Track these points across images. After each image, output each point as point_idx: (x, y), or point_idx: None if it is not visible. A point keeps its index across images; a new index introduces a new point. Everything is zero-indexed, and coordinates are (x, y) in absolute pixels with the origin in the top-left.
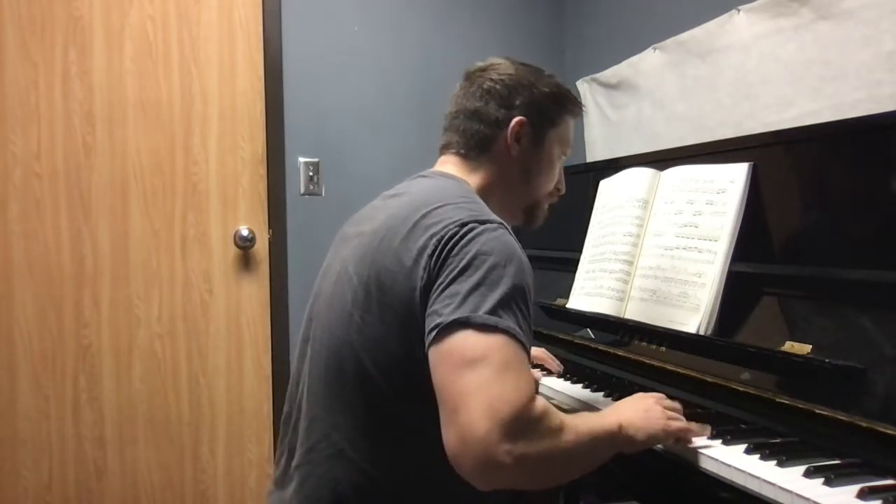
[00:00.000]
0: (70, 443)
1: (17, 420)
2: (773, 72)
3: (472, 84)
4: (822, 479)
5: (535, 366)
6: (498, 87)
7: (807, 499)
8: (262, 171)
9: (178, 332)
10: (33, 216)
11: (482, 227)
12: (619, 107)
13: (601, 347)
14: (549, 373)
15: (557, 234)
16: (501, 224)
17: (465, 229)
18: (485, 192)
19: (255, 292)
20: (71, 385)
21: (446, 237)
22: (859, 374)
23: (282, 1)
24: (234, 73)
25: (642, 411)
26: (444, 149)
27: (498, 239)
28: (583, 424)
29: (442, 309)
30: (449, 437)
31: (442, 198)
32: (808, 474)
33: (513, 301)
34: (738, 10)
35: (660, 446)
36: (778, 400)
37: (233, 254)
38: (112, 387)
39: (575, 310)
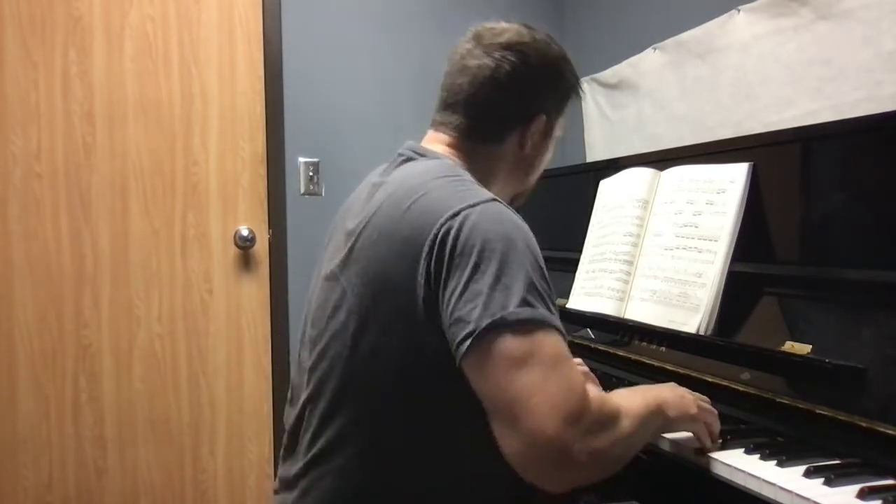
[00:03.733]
0: (70, 443)
1: (17, 420)
2: (773, 72)
3: (492, 60)
4: (822, 479)
5: None
6: (524, 73)
7: (807, 499)
8: (262, 171)
9: (178, 332)
10: (33, 216)
11: (475, 210)
12: (619, 107)
13: (601, 347)
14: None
15: (557, 234)
16: (493, 198)
17: (459, 220)
18: (481, 181)
19: (255, 292)
20: (71, 385)
21: (441, 234)
22: (859, 374)
23: (282, 1)
24: (234, 73)
25: (678, 396)
26: (442, 126)
27: (497, 218)
28: (631, 404)
29: (467, 315)
30: (513, 444)
31: (424, 183)
32: (808, 474)
33: (536, 283)
34: (738, 10)
35: (663, 446)
36: (778, 400)
37: (233, 254)
38: (112, 387)
39: (575, 310)
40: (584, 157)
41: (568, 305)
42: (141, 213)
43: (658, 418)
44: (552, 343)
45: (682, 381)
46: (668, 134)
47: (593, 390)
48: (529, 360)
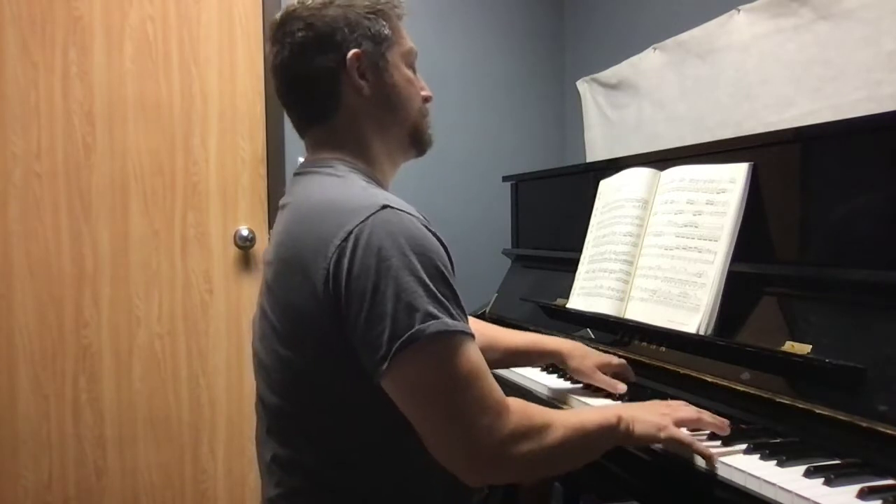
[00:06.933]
0: (70, 443)
1: (17, 420)
2: (773, 72)
3: (280, 45)
4: (822, 479)
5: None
6: (311, 34)
7: (807, 499)
8: (262, 171)
9: (178, 332)
10: (33, 216)
11: (366, 227)
12: (619, 107)
13: (601, 347)
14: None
15: (557, 234)
16: (382, 205)
17: (351, 243)
18: (362, 151)
19: (255, 292)
20: (71, 385)
21: (335, 261)
22: (859, 374)
23: (282, 1)
24: (234, 73)
25: (647, 408)
26: (300, 132)
27: (386, 230)
28: (574, 418)
29: (377, 339)
30: (433, 453)
31: (313, 204)
32: (808, 474)
33: (436, 290)
34: (738, 10)
35: (660, 446)
36: (778, 400)
37: (233, 254)
38: (112, 387)
39: (575, 310)
40: (584, 157)
41: (568, 305)
42: (141, 213)
43: (615, 433)
44: (456, 354)
45: (682, 380)
46: (668, 134)
47: (518, 407)
48: (439, 385)
